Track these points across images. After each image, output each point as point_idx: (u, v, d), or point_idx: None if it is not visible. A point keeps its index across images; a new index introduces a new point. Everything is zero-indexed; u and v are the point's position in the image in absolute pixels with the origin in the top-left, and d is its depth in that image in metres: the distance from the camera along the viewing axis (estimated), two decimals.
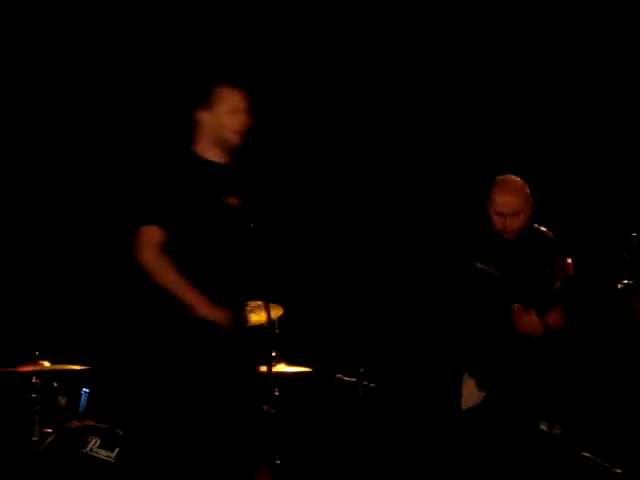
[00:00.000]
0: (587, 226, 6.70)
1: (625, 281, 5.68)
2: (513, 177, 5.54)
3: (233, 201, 5.00)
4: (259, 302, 5.70)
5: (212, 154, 4.96)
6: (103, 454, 5.73)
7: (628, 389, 6.24)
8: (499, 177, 5.54)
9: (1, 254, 7.04)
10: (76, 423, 5.82)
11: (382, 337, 7.26)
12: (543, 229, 5.56)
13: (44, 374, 5.92)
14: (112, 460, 5.69)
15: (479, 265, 5.53)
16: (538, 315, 5.29)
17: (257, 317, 5.86)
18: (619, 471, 5.94)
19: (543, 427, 5.54)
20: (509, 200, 5.42)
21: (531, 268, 5.31)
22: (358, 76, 7.38)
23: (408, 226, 7.32)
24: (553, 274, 5.15)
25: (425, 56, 7.32)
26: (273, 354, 5.90)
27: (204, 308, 4.78)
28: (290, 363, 6.14)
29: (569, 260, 5.17)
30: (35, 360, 5.93)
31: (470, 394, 5.43)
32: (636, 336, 5.94)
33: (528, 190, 5.49)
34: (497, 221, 5.45)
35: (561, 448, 5.86)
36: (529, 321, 5.32)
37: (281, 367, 6.02)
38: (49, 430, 5.84)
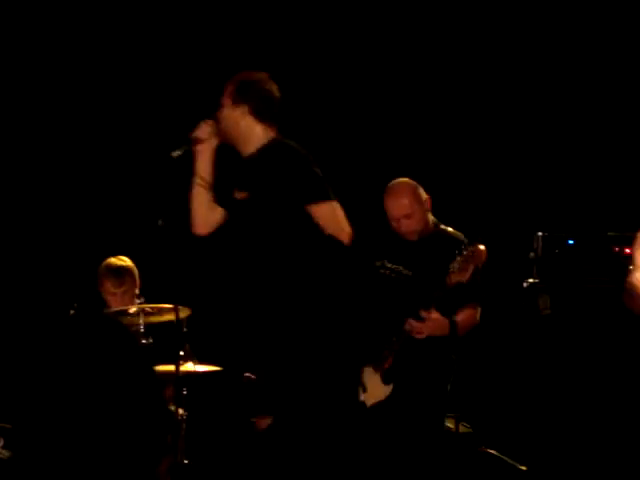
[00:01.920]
0: (494, 226, 6.75)
1: (530, 280, 5.78)
2: (403, 180, 5.66)
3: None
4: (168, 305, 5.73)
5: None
6: (5, 454, 5.65)
7: (534, 385, 6.31)
8: (390, 183, 5.67)
9: None
10: None
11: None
12: (450, 229, 5.66)
13: None
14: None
15: (387, 264, 5.60)
16: (449, 312, 5.31)
17: (168, 316, 5.87)
18: (524, 468, 6.02)
19: (449, 425, 5.58)
20: (397, 203, 5.56)
21: (437, 267, 5.35)
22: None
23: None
24: (466, 260, 5.20)
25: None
26: (181, 353, 5.84)
27: None
28: (199, 362, 6.10)
29: (482, 247, 5.23)
30: None
31: (375, 389, 5.45)
32: (540, 333, 6.03)
33: (420, 191, 5.61)
34: (393, 224, 5.60)
35: (467, 446, 5.91)
36: (433, 322, 5.36)
37: (190, 366, 5.98)
38: None
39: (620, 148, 6.93)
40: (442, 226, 5.68)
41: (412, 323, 5.36)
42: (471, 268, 5.24)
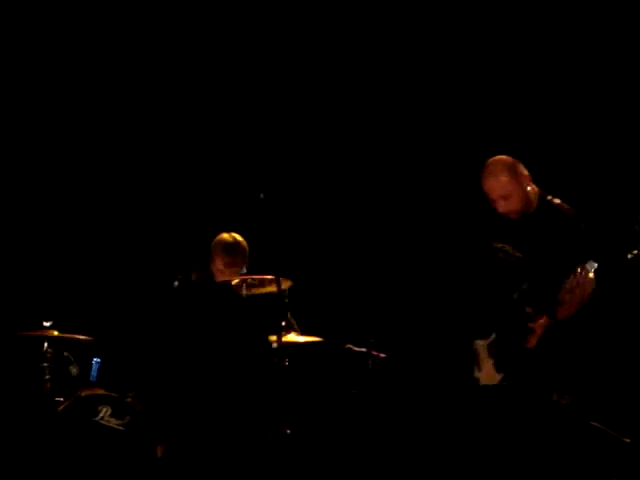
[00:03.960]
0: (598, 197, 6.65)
1: (635, 251, 5.66)
2: (498, 158, 5.40)
3: None
4: (269, 276, 5.78)
5: None
6: (114, 422, 5.76)
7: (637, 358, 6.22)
8: (487, 161, 5.42)
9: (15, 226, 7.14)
10: (87, 392, 5.86)
11: (393, 308, 7.27)
12: (557, 201, 5.43)
13: (55, 342, 5.96)
14: (122, 428, 5.73)
15: (496, 244, 5.46)
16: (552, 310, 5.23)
17: (270, 288, 5.92)
18: (628, 441, 5.94)
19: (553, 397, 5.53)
20: (491, 185, 5.34)
21: (550, 249, 5.22)
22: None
23: (423, 201, 7.34)
24: (570, 291, 5.06)
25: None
26: (283, 324, 5.89)
27: None
28: (301, 333, 6.15)
29: (590, 275, 5.02)
30: (44, 329, 5.98)
31: (488, 373, 5.43)
32: None
33: (519, 168, 5.36)
34: (493, 205, 5.38)
35: (570, 418, 5.85)
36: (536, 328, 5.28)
37: (291, 337, 6.03)
38: (60, 399, 5.88)
39: None
40: (549, 197, 5.43)
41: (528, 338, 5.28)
42: (577, 297, 5.10)
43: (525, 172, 5.38)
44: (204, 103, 7.55)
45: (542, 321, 5.21)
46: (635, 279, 5.67)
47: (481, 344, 5.47)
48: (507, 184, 5.31)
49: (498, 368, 5.38)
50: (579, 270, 5.03)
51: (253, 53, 7.47)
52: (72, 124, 7.50)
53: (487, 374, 5.42)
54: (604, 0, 6.90)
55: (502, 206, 5.34)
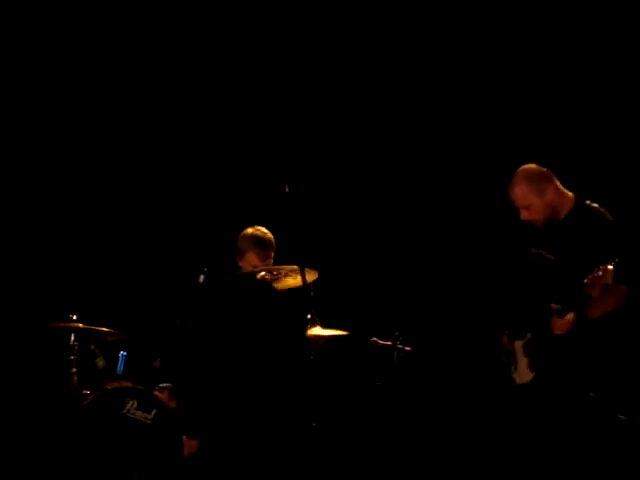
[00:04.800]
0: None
1: None
2: (523, 169, 5.48)
3: None
4: (294, 266, 5.77)
5: None
6: (140, 415, 5.78)
7: None
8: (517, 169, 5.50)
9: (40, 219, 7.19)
10: (113, 385, 5.88)
11: (418, 301, 7.26)
12: (594, 206, 5.45)
13: (82, 335, 5.99)
14: (149, 421, 5.75)
15: (532, 250, 5.52)
16: (580, 306, 5.23)
17: (293, 281, 5.92)
18: None
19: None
20: (512, 195, 5.45)
21: (580, 249, 5.24)
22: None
23: (457, 197, 7.34)
24: (592, 283, 5.06)
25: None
26: (308, 316, 5.89)
27: None
28: (325, 326, 6.14)
29: (610, 267, 5.01)
30: (70, 322, 6.01)
31: (523, 371, 5.46)
32: None
33: (540, 179, 5.41)
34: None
35: (596, 411, 5.83)
36: (562, 324, 5.28)
37: (317, 330, 6.02)
38: (87, 392, 5.91)
39: None
40: (587, 202, 5.46)
41: (554, 322, 5.29)
42: (598, 287, 5.09)
43: (549, 182, 5.45)
44: (231, 97, 7.56)
45: (570, 317, 5.22)
46: None
47: (518, 344, 5.52)
48: (526, 195, 5.41)
49: (532, 366, 5.42)
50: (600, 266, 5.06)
51: (278, 48, 7.48)
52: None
53: (521, 373, 5.47)
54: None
55: (524, 215, 5.46)
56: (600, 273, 5.01)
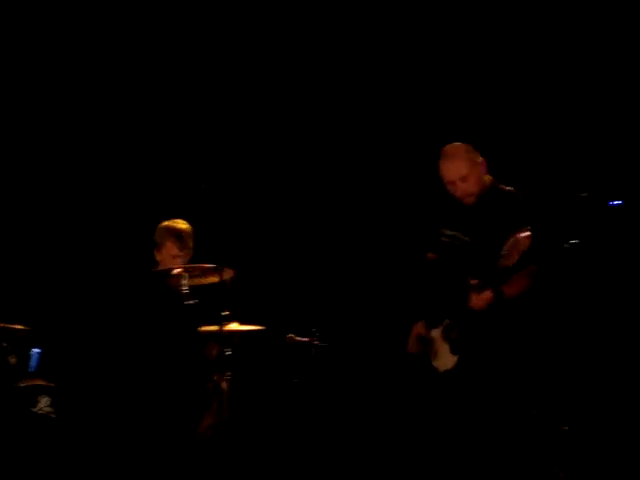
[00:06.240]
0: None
1: (572, 241, 5.72)
2: (457, 144, 5.56)
3: None
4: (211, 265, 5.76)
5: None
6: (50, 411, 5.73)
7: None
8: (444, 147, 5.57)
9: None
10: (26, 382, 5.82)
11: (335, 297, 7.29)
12: (508, 188, 5.54)
13: None
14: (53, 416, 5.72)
15: (446, 231, 5.57)
16: (497, 283, 5.29)
17: (210, 278, 5.91)
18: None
19: None
20: (452, 166, 5.49)
21: (496, 230, 5.28)
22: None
23: (368, 189, 7.37)
24: (509, 252, 5.12)
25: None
26: (225, 313, 5.88)
27: None
28: (242, 322, 6.14)
29: (525, 233, 5.07)
30: None
31: (445, 357, 5.50)
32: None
33: (475, 153, 5.51)
34: (449, 188, 5.52)
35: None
36: (480, 299, 5.33)
37: (233, 326, 6.02)
38: None
39: None
40: (500, 186, 5.56)
41: (472, 297, 5.33)
42: (516, 254, 5.15)
43: (480, 158, 5.54)
44: (149, 95, 7.52)
45: (488, 293, 5.28)
46: (571, 267, 5.75)
47: (436, 332, 5.56)
48: (465, 166, 5.46)
49: (453, 350, 5.46)
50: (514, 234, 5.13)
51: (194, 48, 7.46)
52: None
53: (444, 359, 5.50)
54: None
55: (460, 188, 5.48)
56: (512, 240, 5.07)
